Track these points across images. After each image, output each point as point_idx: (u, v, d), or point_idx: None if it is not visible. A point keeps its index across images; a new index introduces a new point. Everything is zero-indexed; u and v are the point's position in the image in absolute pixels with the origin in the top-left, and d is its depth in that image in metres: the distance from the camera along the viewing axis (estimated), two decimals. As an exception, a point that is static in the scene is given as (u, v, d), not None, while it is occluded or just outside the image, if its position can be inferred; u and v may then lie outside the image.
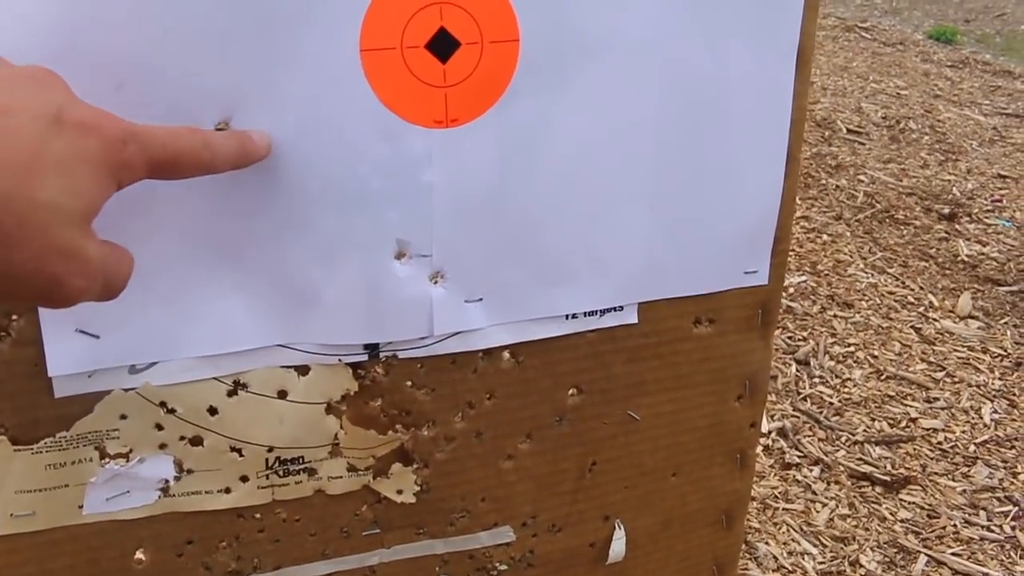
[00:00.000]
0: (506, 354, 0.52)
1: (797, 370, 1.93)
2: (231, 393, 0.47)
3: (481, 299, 0.50)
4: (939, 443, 1.73)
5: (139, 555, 0.50)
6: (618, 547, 0.59)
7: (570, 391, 0.55)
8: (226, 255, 0.44)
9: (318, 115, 0.44)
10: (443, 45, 0.45)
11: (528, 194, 0.48)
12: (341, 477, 0.51)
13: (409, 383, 0.50)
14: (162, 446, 0.47)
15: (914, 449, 1.72)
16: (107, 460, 0.47)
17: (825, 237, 2.47)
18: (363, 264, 0.46)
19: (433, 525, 0.55)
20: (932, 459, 1.69)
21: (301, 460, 0.50)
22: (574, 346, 0.53)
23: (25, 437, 0.45)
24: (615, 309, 0.53)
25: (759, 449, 1.56)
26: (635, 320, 0.54)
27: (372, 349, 0.48)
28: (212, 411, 0.47)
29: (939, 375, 1.91)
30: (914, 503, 1.58)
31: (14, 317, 0.42)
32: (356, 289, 0.47)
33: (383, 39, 0.44)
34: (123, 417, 0.46)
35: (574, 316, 0.52)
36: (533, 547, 0.58)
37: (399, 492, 0.53)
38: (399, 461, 0.52)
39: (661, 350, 0.55)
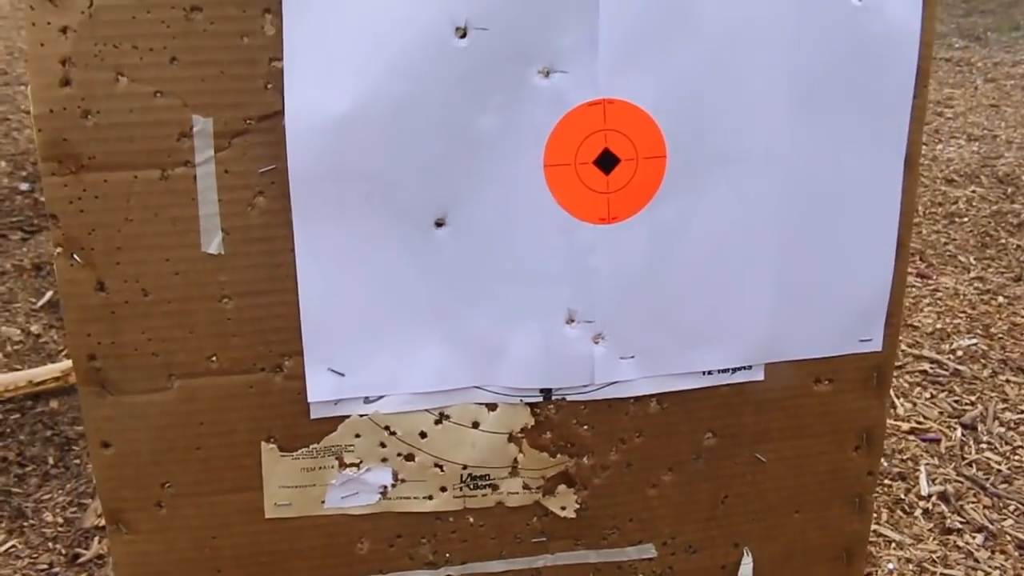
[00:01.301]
0: (653, 401, 0.64)
1: (963, 435, 1.92)
2: (437, 422, 0.62)
3: (633, 356, 0.62)
4: (1114, 517, 1.69)
5: (361, 543, 0.65)
6: (746, 571, 0.70)
7: (706, 434, 0.66)
8: (438, 316, 0.59)
9: (511, 214, 0.58)
10: (607, 161, 0.58)
11: (673, 275, 0.61)
12: (517, 493, 0.65)
13: (574, 421, 0.64)
14: (384, 460, 0.62)
15: (1088, 521, 1.69)
16: (344, 468, 0.62)
17: (1001, 299, 2.42)
18: (541, 326, 0.60)
19: (589, 538, 0.67)
20: (1104, 532, 1.65)
21: (487, 477, 0.64)
22: (710, 397, 0.65)
23: (288, 446, 0.61)
24: (745, 368, 0.64)
25: (918, 512, 1.59)
26: (762, 377, 0.65)
27: (546, 393, 0.62)
28: (422, 435, 0.62)
29: (1117, 447, 1.86)
30: (1085, 576, 1.56)
31: (287, 360, 0.59)
32: (535, 346, 0.60)
33: (561, 157, 0.58)
34: (357, 436, 0.61)
35: (710, 372, 0.64)
36: (672, 564, 0.69)
37: (562, 508, 0.66)
38: (564, 483, 0.65)
39: (785, 403, 0.66)
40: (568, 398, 0.62)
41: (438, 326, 0.59)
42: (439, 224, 0.57)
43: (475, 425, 0.62)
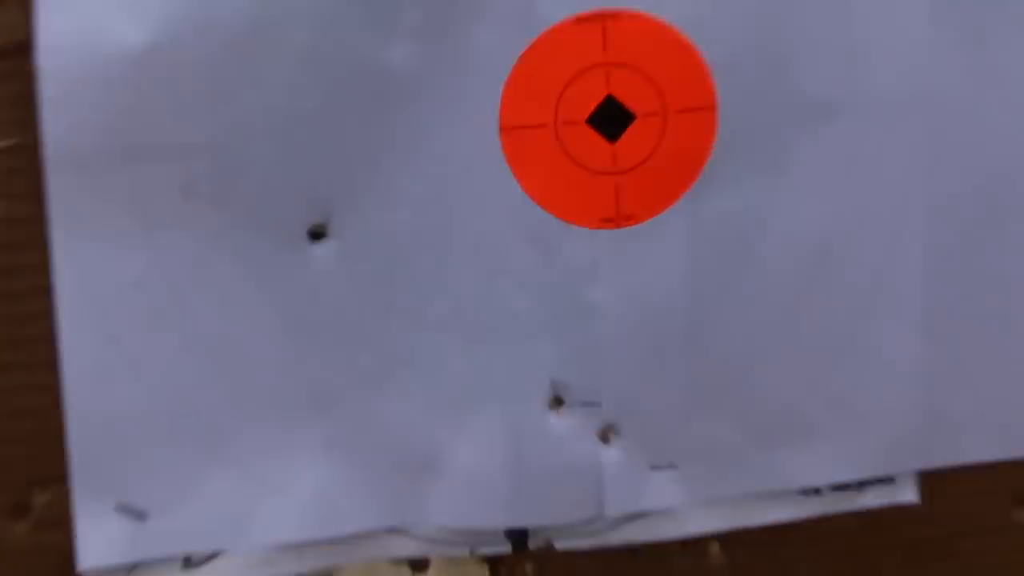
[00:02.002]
0: (714, 547, 0.37)
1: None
2: (327, 596, 0.35)
3: (674, 465, 0.35)
4: None
5: None
6: None
7: (809, 603, 0.38)
8: (318, 400, 0.33)
9: (443, 214, 0.33)
10: (611, 119, 0.33)
11: (734, 315, 0.35)
12: None
13: (573, 587, 0.36)
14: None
15: None
16: None
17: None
18: (505, 415, 0.34)
19: None
20: None
21: None
22: (818, 537, 0.37)
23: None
24: (882, 481, 0.37)
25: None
26: (915, 498, 0.38)
27: (517, 537, 0.35)
28: (301, 622, 0.35)
29: None
30: None
31: (37, 493, 0.33)
32: (496, 450, 0.34)
33: (529, 114, 0.33)
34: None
35: (815, 491, 0.37)
36: None
37: None
38: None
39: (961, 546, 0.39)
40: (558, 544, 0.35)
41: (319, 419, 0.33)
42: (316, 235, 0.33)
43: (396, 600, 0.35)
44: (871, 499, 0.37)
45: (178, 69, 0.31)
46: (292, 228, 0.32)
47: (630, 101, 0.33)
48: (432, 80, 0.32)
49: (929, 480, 0.38)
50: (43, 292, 0.32)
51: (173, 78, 0.31)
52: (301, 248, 0.33)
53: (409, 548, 0.34)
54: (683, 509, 0.36)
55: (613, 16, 0.33)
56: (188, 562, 0.33)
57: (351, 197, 0.32)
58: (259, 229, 0.32)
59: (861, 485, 0.37)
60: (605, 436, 0.35)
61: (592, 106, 0.33)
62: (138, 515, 0.32)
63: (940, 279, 0.36)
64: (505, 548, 0.35)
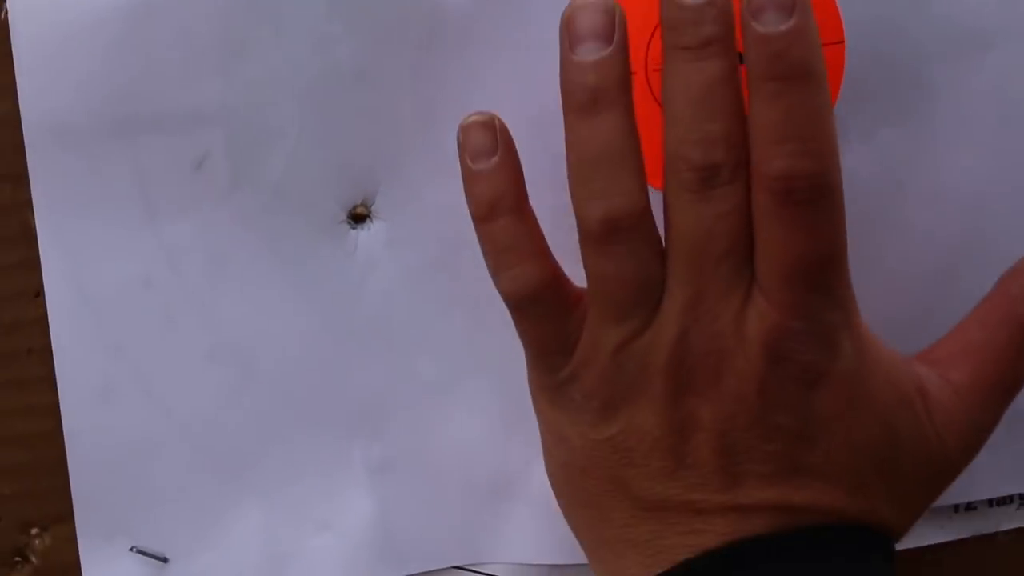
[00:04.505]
0: None
1: None
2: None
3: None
4: None
5: None
6: None
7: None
8: (365, 418, 0.27)
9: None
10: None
11: (871, 294, 0.28)
12: None
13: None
14: None
15: None
16: None
17: None
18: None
19: None
20: None
21: None
22: (972, 563, 0.31)
23: None
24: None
25: None
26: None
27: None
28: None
29: None
30: None
31: (34, 532, 0.27)
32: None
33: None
34: None
35: (969, 507, 0.30)
36: None
37: None
38: None
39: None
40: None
41: (370, 439, 0.28)
42: (358, 217, 0.27)
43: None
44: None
45: (180, 19, 0.25)
46: (329, 209, 0.27)
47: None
48: (492, 20, 0.26)
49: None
50: (34, 294, 0.26)
51: (175, 31, 0.25)
52: (341, 233, 0.27)
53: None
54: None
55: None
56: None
57: (398, 168, 0.27)
58: (290, 212, 0.27)
59: (1003, 501, 0.30)
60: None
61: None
62: (156, 560, 0.27)
63: None
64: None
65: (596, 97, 0.21)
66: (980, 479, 0.29)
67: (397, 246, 0.27)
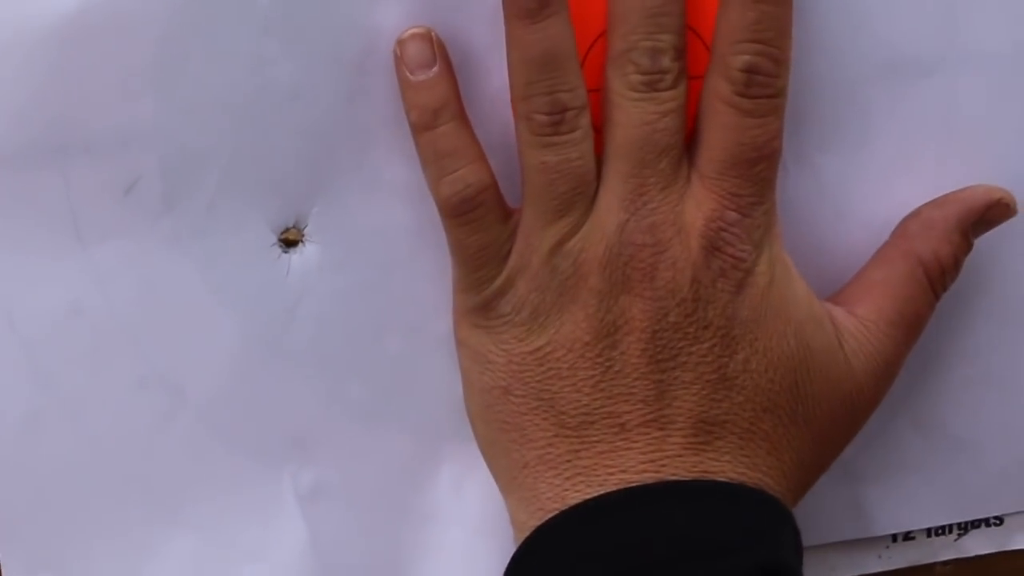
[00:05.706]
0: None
1: None
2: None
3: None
4: None
5: None
6: None
7: None
8: (298, 444, 0.27)
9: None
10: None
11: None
12: None
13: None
14: None
15: None
16: None
17: None
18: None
19: None
20: None
21: None
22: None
23: None
24: (988, 522, 0.30)
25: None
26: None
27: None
28: None
29: None
30: None
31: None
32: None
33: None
34: None
35: (907, 537, 0.30)
36: None
37: None
38: None
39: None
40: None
41: (301, 465, 0.28)
42: (290, 241, 0.26)
43: None
44: (971, 544, 0.31)
45: (113, 41, 0.25)
46: (261, 233, 0.26)
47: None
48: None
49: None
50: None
51: (107, 53, 0.25)
52: (274, 257, 0.27)
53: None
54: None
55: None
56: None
57: (332, 190, 0.27)
58: (222, 235, 0.26)
59: (960, 529, 0.30)
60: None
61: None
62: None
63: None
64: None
65: (543, 3, 0.23)
66: (918, 508, 0.29)
67: (330, 270, 0.27)
